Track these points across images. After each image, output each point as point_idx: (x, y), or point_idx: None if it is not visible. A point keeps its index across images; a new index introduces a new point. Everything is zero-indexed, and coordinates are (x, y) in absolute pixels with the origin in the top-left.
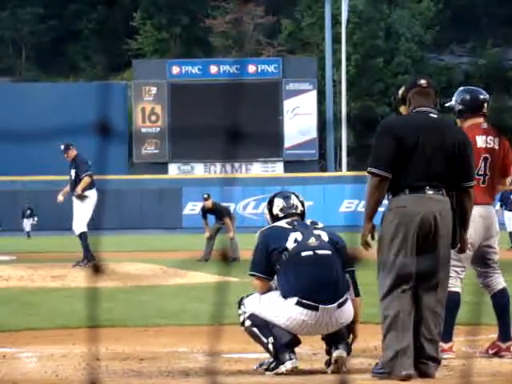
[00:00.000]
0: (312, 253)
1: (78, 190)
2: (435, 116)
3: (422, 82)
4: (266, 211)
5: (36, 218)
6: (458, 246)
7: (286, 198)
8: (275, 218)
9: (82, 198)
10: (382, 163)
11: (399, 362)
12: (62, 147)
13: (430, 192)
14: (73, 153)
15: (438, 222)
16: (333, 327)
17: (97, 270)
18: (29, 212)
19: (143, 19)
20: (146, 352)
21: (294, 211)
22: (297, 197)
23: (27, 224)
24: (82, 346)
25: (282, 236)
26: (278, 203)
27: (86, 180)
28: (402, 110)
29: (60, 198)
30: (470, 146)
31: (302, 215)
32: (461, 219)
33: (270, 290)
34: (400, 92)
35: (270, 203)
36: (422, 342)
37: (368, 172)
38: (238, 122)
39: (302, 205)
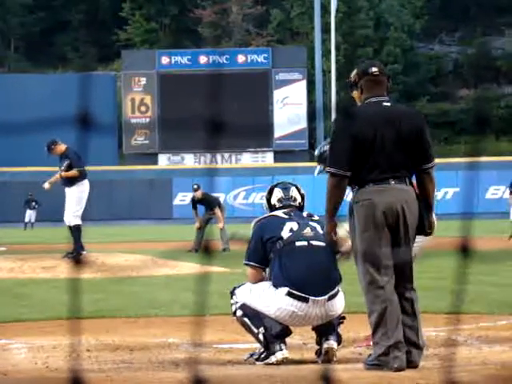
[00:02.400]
0: (306, 243)
1: (63, 173)
2: (388, 104)
3: (374, 69)
4: (265, 200)
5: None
6: (427, 230)
7: (286, 189)
8: (272, 208)
9: (68, 183)
10: (340, 162)
11: (391, 356)
12: (46, 148)
13: (393, 182)
14: (61, 147)
15: (405, 211)
16: (323, 319)
17: (84, 261)
18: (33, 203)
19: (132, 9)
20: (136, 343)
21: (291, 203)
22: (298, 189)
23: (32, 215)
24: (72, 337)
25: (278, 225)
26: (277, 193)
27: (74, 173)
28: (354, 95)
29: (46, 185)
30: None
31: (301, 208)
32: (425, 202)
33: (262, 279)
34: (351, 76)
35: (270, 193)
36: (403, 329)
37: (327, 172)
38: (227, 113)
39: (302, 198)
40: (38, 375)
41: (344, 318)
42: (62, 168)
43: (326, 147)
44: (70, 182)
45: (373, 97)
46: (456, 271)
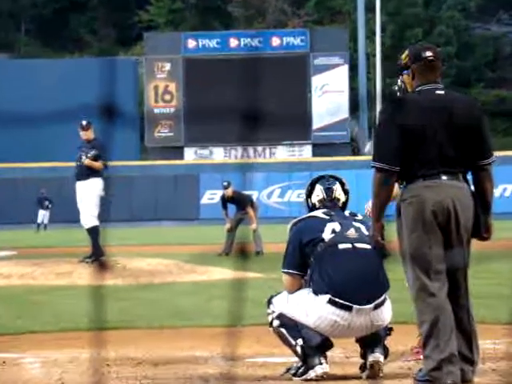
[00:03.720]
0: (350, 246)
1: (87, 162)
2: (442, 92)
3: (428, 54)
4: (305, 195)
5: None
6: (484, 234)
7: (329, 189)
8: (312, 207)
9: (83, 176)
10: (387, 156)
11: (444, 370)
12: (84, 122)
13: (445, 177)
14: (91, 133)
15: (457, 209)
16: (367, 330)
17: (103, 266)
18: (47, 203)
19: None
20: (160, 356)
21: (334, 206)
22: (342, 184)
23: (45, 216)
24: (90, 351)
25: (318, 227)
26: (319, 193)
27: (99, 165)
28: (405, 79)
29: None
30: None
31: (343, 206)
32: (482, 202)
33: (301, 287)
34: (402, 58)
35: (311, 189)
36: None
37: (372, 167)
38: (260, 102)
39: (346, 193)
40: None
41: (391, 329)
42: (89, 155)
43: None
44: (87, 175)
45: (425, 84)
46: None
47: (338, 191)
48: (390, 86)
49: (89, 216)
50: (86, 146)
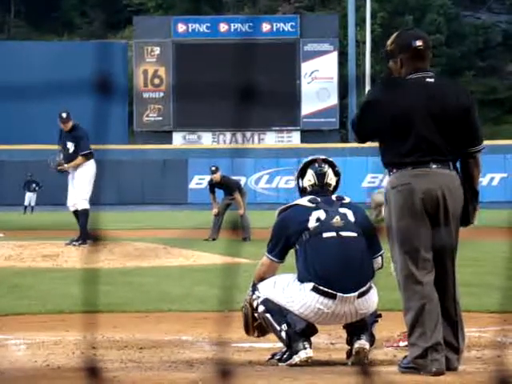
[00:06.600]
0: (335, 234)
1: (67, 166)
2: (432, 80)
3: (418, 43)
4: (295, 178)
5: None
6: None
7: (321, 175)
8: (302, 191)
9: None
10: (361, 134)
11: (429, 358)
12: (64, 115)
13: (435, 166)
14: (70, 123)
15: (446, 197)
16: (352, 318)
17: (93, 249)
18: (34, 185)
19: None
20: (146, 340)
21: (324, 191)
22: (333, 167)
23: (32, 198)
24: (76, 333)
25: (303, 217)
26: (310, 178)
27: (80, 159)
28: (391, 66)
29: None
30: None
31: (334, 190)
32: (470, 189)
33: (274, 273)
34: (388, 45)
35: (303, 172)
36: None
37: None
38: (249, 87)
39: (337, 175)
40: (37, 374)
41: (380, 316)
42: (69, 152)
43: None
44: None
45: (415, 72)
46: (504, 265)
47: (329, 176)
48: (380, 74)
49: (80, 199)
50: (67, 135)
